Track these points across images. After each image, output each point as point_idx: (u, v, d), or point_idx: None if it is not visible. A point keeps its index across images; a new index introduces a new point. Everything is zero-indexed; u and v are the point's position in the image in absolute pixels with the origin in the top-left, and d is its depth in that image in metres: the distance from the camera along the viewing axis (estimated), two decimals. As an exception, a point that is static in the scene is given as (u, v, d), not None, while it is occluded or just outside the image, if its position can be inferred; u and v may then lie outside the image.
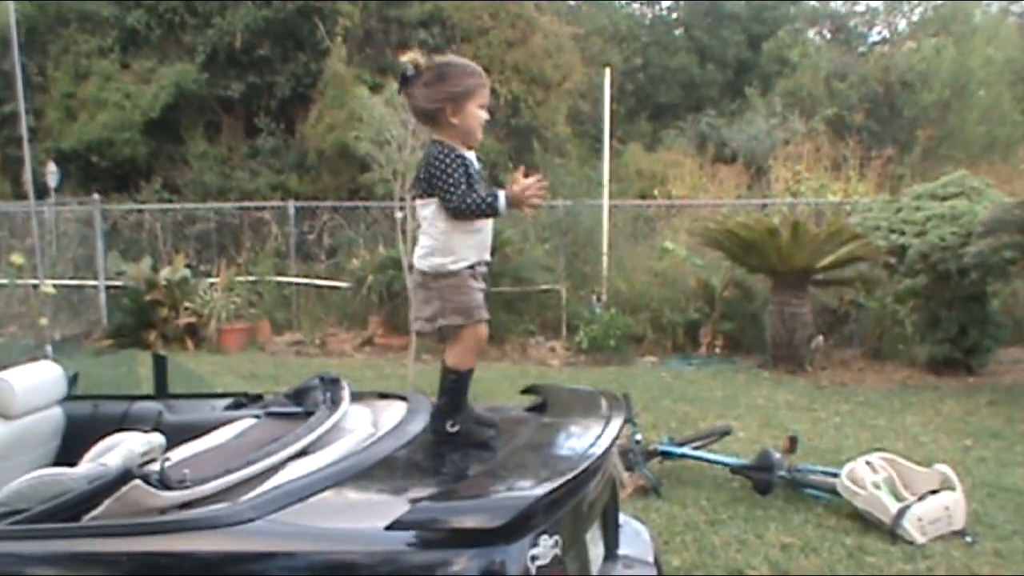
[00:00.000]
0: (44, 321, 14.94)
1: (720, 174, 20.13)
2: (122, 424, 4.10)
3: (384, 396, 3.88)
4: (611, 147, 16.29)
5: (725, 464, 7.36)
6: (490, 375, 12.55)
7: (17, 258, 15.56)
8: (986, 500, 6.98)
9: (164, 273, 15.79)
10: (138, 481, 2.59)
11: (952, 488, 6.35)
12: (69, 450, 3.68)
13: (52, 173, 17.66)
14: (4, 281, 16.11)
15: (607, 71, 16.03)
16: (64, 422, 4.19)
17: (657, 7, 35.87)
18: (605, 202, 15.52)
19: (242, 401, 4.00)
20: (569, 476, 2.68)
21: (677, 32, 34.24)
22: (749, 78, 28.96)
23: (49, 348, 14.78)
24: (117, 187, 20.86)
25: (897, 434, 9.16)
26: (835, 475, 6.69)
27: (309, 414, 3.49)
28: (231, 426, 3.50)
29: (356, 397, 3.85)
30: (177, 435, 3.46)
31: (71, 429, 4.17)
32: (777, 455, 7.04)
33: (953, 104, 24.37)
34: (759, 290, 13.76)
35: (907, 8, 32.46)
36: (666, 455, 7.55)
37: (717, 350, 13.97)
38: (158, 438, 3.13)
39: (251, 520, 2.54)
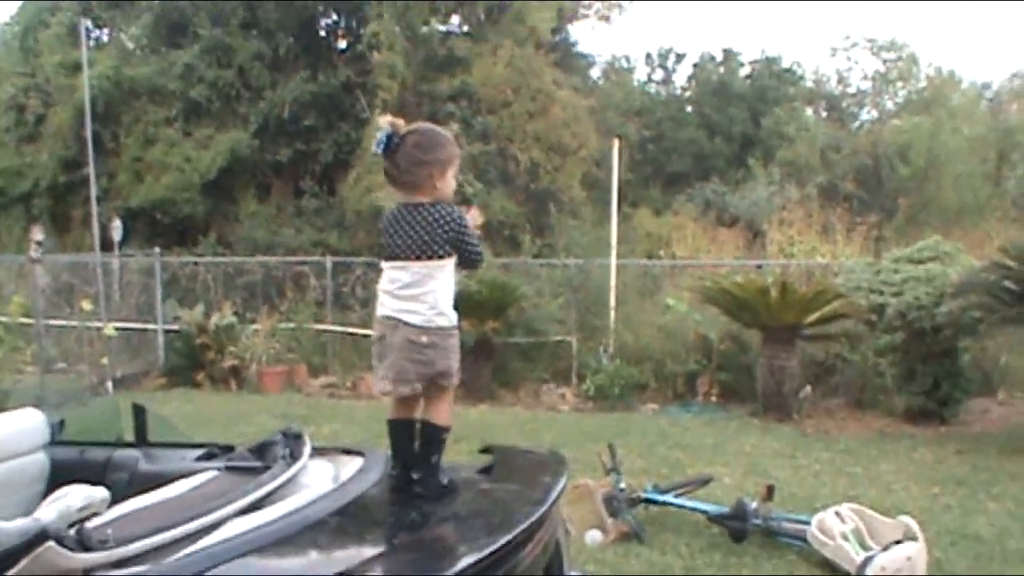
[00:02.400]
0: (105, 360, 15.09)
1: (720, 236, 20.05)
2: (105, 471, 3.91)
3: (347, 452, 3.62)
4: (622, 211, 16.20)
5: (703, 512, 7.03)
6: (503, 420, 12.39)
7: (86, 303, 15.62)
8: (949, 548, 6.65)
9: (214, 319, 15.75)
10: (51, 543, 2.35)
11: (915, 538, 6.05)
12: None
13: (117, 228, 17.76)
14: (75, 323, 16.02)
15: (615, 142, 15.98)
16: (49, 468, 3.95)
17: (672, 86, 36.13)
18: (613, 261, 15.37)
19: (214, 452, 3.75)
20: (490, 550, 2.43)
21: (689, 108, 34.45)
22: (753, 150, 29.09)
23: (110, 385, 14.81)
24: (177, 241, 21.10)
25: (872, 481, 8.82)
26: (807, 523, 6.39)
27: (267, 469, 3.25)
28: (188, 479, 3.25)
29: (319, 452, 3.57)
30: (148, 484, 3.23)
31: (57, 475, 3.90)
32: (752, 504, 6.70)
33: (930, 175, 24.37)
34: (753, 343, 13.48)
35: (892, 90, 32.50)
36: (649, 502, 7.23)
37: (713, 399, 13.67)
38: (101, 492, 2.87)
39: None
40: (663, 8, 55.83)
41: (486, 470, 3.57)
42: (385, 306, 3.39)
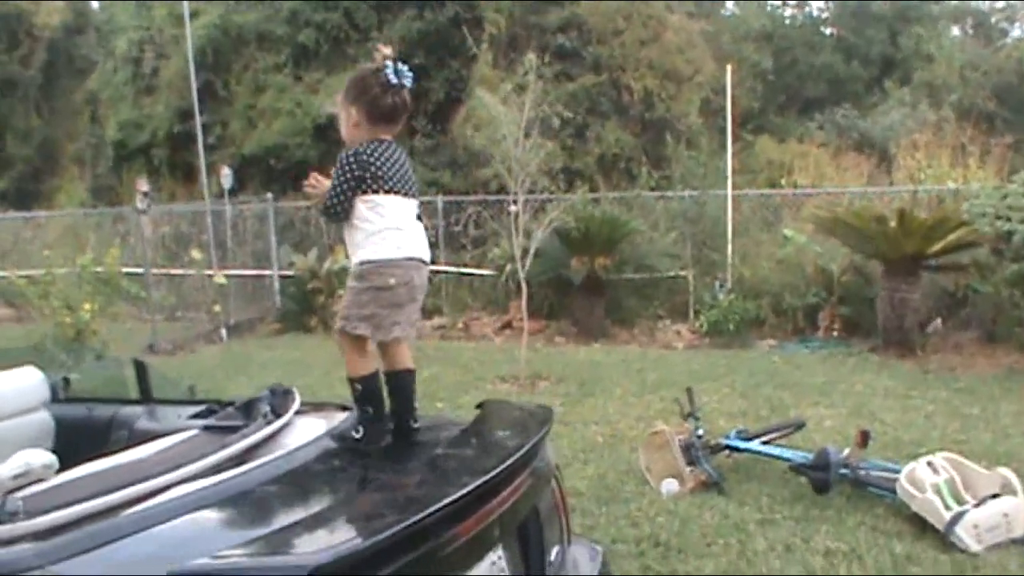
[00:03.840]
0: (217, 308, 15.30)
1: (846, 163, 19.34)
2: (110, 428, 3.90)
3: (344, 408, 3.43)
4: (741, 139, 15.72)
5: (786, 460, 6.58)
6: (611, 359, 12.23)
7: (196, 252, 15.85)
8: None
9: (327, 264, 15.79)
10: None
11: (1014, 493, 5.52)
12: (66, 452, 3.36)
13: (226, 176, 17.95)
14: (192, 272, 16.33)
15: (728, 68, 15.45)
16: (54, 426, 3.86)
17: (808, 9, 35.09)
18: (729, 191, 14.92)
19: (213, 409, 3.60)
20: (418, 516, 2.19)
21: (827, 31, 33.35)
22: (892, 73, 28.10)
23: (223, 332, 15.03)
24: (292, 186, 21.16)
25: (987, 424, 8.25)
26: (898, 473, 5.87)
27: (244, 427, 3.08)
28: (163, 440, 3.11)
29: (314, 408, 3.46)
30: (143, 442, 3.14)
31: (64, 433, 3.85)
32: (840, 452, 6.24)
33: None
34: (877, 275, 12.94)
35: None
36: (732, 449, 6.87)
37: (835, 333, 13.19)
38: (46, 458, 2.69)
39: (33, 568, 2.09)
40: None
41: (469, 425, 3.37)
42: (408, 245, 3.32)
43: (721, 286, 14.18)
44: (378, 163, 3.22)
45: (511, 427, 3.34)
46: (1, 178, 29.91)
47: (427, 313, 15.77)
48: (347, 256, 3.38)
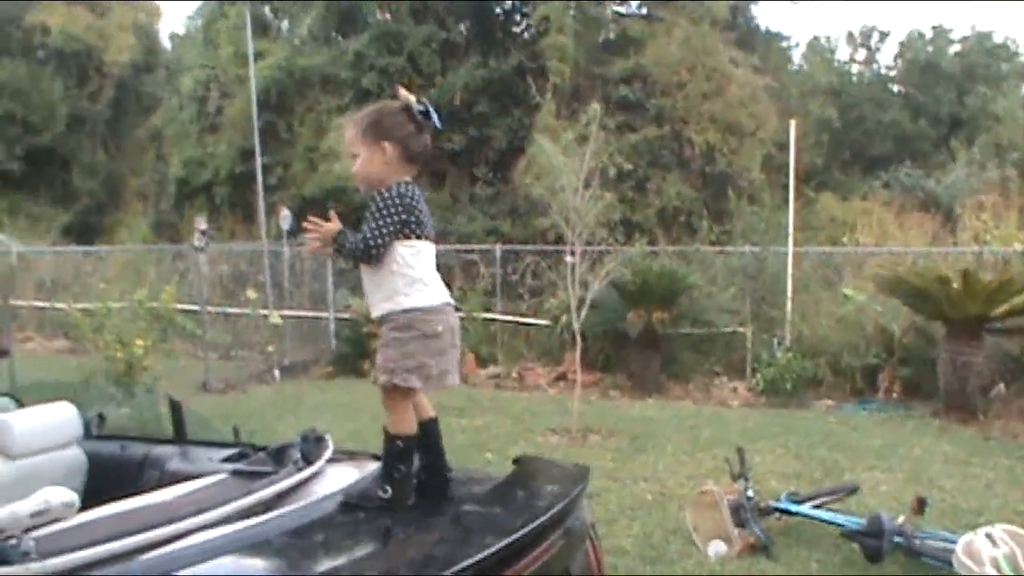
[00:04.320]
0: (271, 348, 15.38)
1: (910, 222, 19.18)
2: (142, 467, 3.89)
3: (377, 457, 3.40)
4: (803, 196, 15.64)
5: (838, 525, 6.46)
6: (664, 415, 12.13)
7: (252, 292, 15.98)
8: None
9: (383, 308, 15.83)
10: None
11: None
12: (96, 490, 3.37)
13: (285, 218, 18.07)
14: (248, 311, 16.46)
15: (792, 123, 15.41)
16: (86, 462, 3.89)
17: (876, 65, 35.00)
18: (790, 248, 14.80)
19: (246, 453, 3.60)
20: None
21: (894, 88, 33.23)
22: (959, 132, 27.91)
23: (276, 372, 15.11)
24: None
25: (1051, 495, 8.09)
26: (955, 544, 5.69)
27: (272, 474, 3.07)
28: (188, 483, 3.10)
29: (348, 456, 3.41)
30: (173, 483, 3.16)
31: (97, 469, 3.87)
32: (895, 519, 6.10)
33: None
34: (939, 337, 12.76)
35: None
36: (782, 512, 6.76)
37: (894, 395, 12.99)
38: (66, 496, 2.68)
39: None
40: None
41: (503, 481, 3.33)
42: (441, 291, 3.25)
43: (779, 343, 14.05)
44: (419, 206, 3.16)
45: (545, 485, 3.29)
46: (66, 211, 30.42)
47: (482, 362, 15.78)
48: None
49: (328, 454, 3.26)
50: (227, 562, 2.43)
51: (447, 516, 2.93)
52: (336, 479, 3.13)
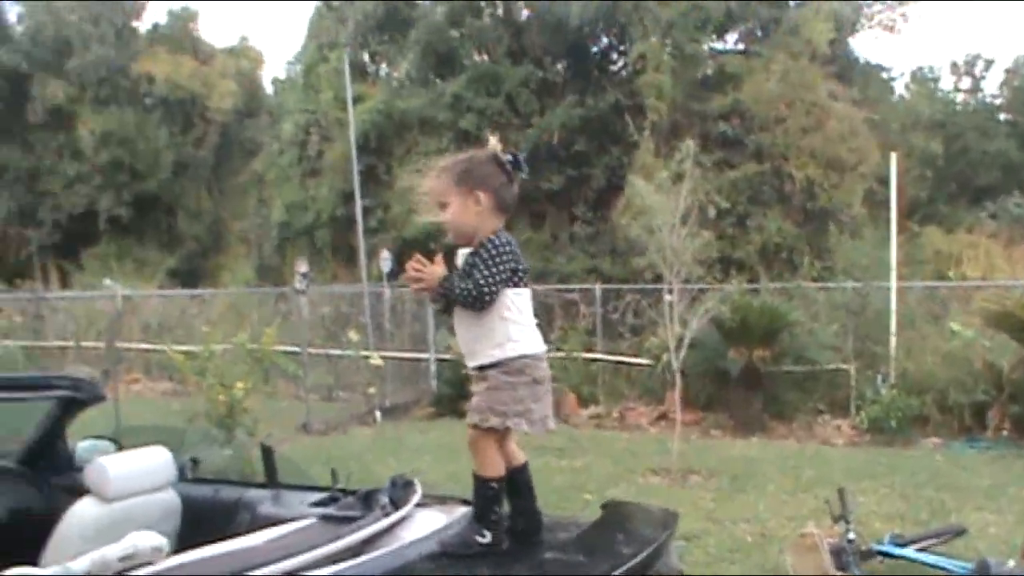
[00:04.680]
0: (372, 390, 15.53)
1: (1017, 254, 18.81)
2: (235, 509, 3.97)
3: (466, 502, 3.45)
4: (908, 230, 15.45)
5: (942, 569, 6.31)
6: (767, 454, 12.02)
7: (353, 334, 16.18)
8: None
9: (483, 349, 15.91)
10: None
11: None
12: (190, 532, 3.49)
13: (385, 260, 18.28)
14: (350, 352, 16.64)
15: (893, 157, 15.25)
16: (180, 505, 4.00)
17: (980, 94, 34.47)
18: (893, 283, 14.59)
19: (336, 497, 3.68)
20: None
21: (1000, 117, 32.68)
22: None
23: (377, 414, 15.26)
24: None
25: None
26: None
27: (359, 519, 3.16)
28: (277, 528, 3.20)
29: (438, 501, 3.49)
30: (265, 526, 3.27)
31: (191, 512, 3.98)
32: (1001, 564, 5.94)
33: None
34: (1051, 373, 12.52)
35: None
36: (885, 555, 6.64)
37: (1004, 433, 12.67)
38: (155, 540, 2.78)
39: None
40: (971, 10, 53.14)
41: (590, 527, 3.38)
42: (539, 339, 3.28)
43: (883, 380, 13.81)
44: (520, 255, 3.20)
45: (631, 531, 3.31)
46: (172, 255, 31.20)
47: (583, 402, 15.78)
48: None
49: (416, 498, 3.34)
50: None
51: (530, 563, 2.99)
52: (424, 524, 3.19)
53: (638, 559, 2.77)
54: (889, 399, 13.11)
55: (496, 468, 3.15)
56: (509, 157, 3.24)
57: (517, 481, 3.24)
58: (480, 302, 3.09)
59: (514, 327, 3.17)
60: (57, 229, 31.76)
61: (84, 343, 19.65)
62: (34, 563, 2.68)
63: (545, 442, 12.84)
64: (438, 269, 3.14)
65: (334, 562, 2.78)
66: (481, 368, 3.18)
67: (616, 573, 2.61)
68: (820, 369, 14.35)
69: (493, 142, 3.27)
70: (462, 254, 3.20)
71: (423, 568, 2.90)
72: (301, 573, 2.68)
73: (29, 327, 20.62)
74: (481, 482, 3.13)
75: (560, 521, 3.57)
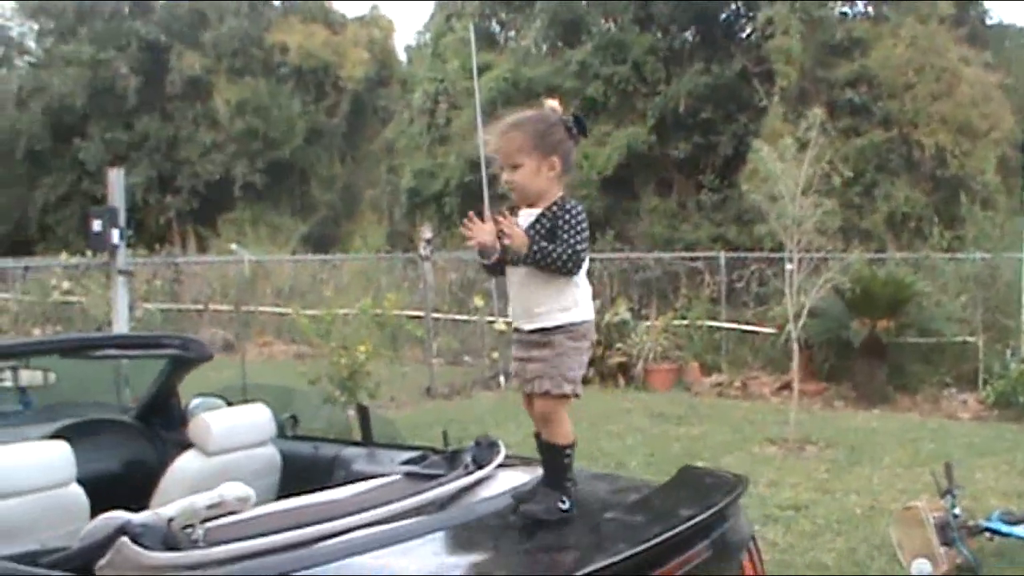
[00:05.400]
0: (495, 355, 15.71)
1: None
2: (332, 467, 4.14)
3: None
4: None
5: None
6: (888, 427, 11.95)
7: (478, 299, 16.40)
8: None
9: (607, 316, 16.00)
10: (124, 538, 2.45)
11: None
12: (290, 486, 3.69)
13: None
14: (475, 318, 16.98)
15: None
16: (280, 461, 4.21)
17: None
18: (1024, 254, 14.27)
19: (426, 455, 3.79)
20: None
21: None
22: None
23: (502, 378, 15.46)
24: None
25: None
26: None
27: (441, 476, 3.29)
28: (364, 483, 3.31)
29: (522, 462, 3.55)
30: (358, 481, 3.39)
31: (291, 468, 4.20)
32: None
33: None
34: None
35: None
36: (993, 532, 6.53)
37: None
38: (241, 491, 2.86)
39: None
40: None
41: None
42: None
43: (1013, 355, 13.54)
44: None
45: (698, 494, 3.32)
46: (304, 222, 31.78)
47: (706, 370, 15.81)
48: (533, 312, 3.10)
49: (500, 459, 3.43)
50: (368, 559, 2.62)
51: (589, 524, 3.03)
52: (505, 482, 3.27)
53: (696, 520, 2.82)
54: (1018, 374, 12.85)
55: (570, 434, 3.12)
56: (575, 118, 3.20)
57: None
58: (575, 267, 3.04)
59: (580, 291, 3.13)
60: (194, 196, 32.62)
61: (217, 307, 20.28)
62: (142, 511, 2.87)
63: (665, 409, 12.98)
64: (486, 228, 3.11)
65: (412, 515, 2.94)
66: (544, 331, 3.08)
67: (669, 534, 2.67)
68: (947, 341, 14.16)
69: (553, 104, 3.23)
70: (525, 216, 3.13)
71: (483, 524, 3.02)
72: (375, 525, 2.83)
73: (167, 290, 21.29)
74: (558, 449, 3.10)
75: (633, 483, 3.66)
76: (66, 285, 19.13)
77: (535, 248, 2.99)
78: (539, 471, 3.23)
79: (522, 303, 3.12)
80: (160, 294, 20.68)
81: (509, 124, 3.17)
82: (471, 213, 3.14)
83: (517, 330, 3.14)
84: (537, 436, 3.15)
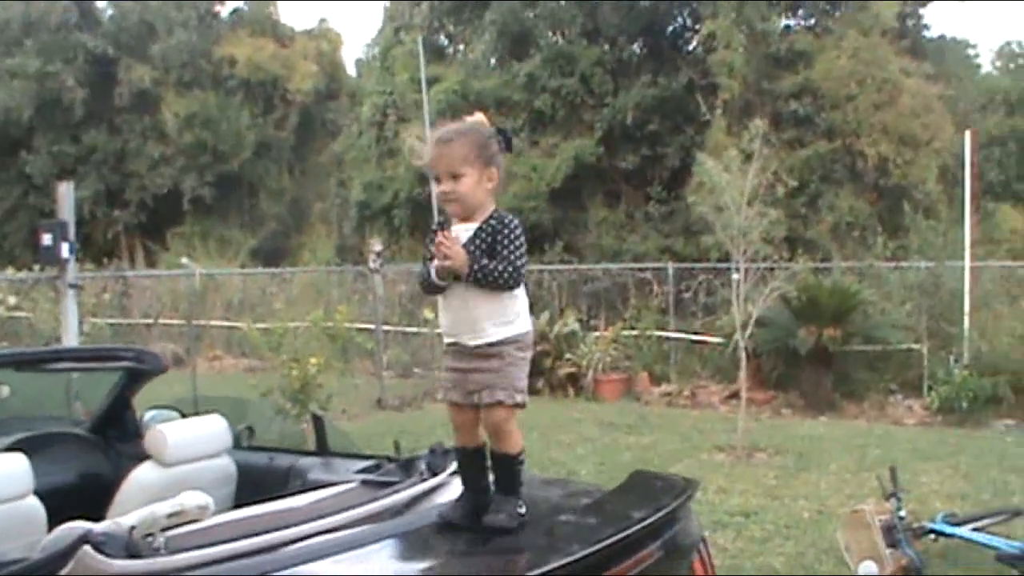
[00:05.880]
0: (446, 367, 15.71)
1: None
2: (288, 477, 4.17)
3: None
4: (983, 208, 15.27)
5: (996, 549, 6.30)
6: (834, 433, 12.11)
7: (428, 312, 16.40)
8: None
9: (556, 327, 16.07)
10: (87, 547, 2.45)
11: None
12: (246, 496, 3.69)
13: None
14: (425, 330, 16.91)
15: (968, 133, 15.10)
16: (236, 471, 4.22)
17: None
18: (967, 263, 14.49)
19: (380, 464, 3.81)
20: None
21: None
22: None
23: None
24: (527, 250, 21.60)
25: None
26: None
27: (396, 484, 3.33)
28: (322, 491, 3.37)
29: None
30: (313, 490, 3.44)
31: (246, 478, 4.20)
32: None
33: None
34: None
35: None
36: (937, 533, 6.64)
37: (1082, 415, 12.61)
38: (201, 499, 2.88)
39: None
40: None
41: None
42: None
43: (956, 361, 13.74)
44: None
45: (648, 498, 3.33)
46: (254, 235, 31.62)
47: (655, 380, 15.91)
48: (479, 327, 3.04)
49: (453, 467, 3.41)
50: (327, 564, 2.65)
51: (541, 528, 3.04)
52: (459, 489, 3.25)
53: (647, 522, 2.84)
54: (961, 380, 13.08)
55: (521, 442, 3.13)
56: (505, 132, 3.19)
57: (480, 456, 3.22)
58: (516, 283, 3.02)
59: (520, 303, 3.12)
60: (142, 209, 32.29)
61: (167, 320, 20.14)
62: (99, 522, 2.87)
63: (615, 419, 13.06)
64: (457, 248, 2.99)
65: (368, 522, 2.97)
66: (491, 345, 3.05)
67: (620, 536, 2.70)
68: (892, 349, 14.42)
69: (482, 117, 3.18)
70: (460, 231, 3.06)
71: (436, 530, 3.02)
72: (332, 532, 2.84)
73: (116, 304, 21.11)
74: (511, 458, 3.11)
75: (585, 487, 3.72)
76: (12, 300, 18.90)
77: (476, 267, 2.97)
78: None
79: (465, 319, 3.08)
80: (109, 308, 20.49)
81: (451, 132, 3.11)
82: (445, 231, 3.03)
83: (455, 344, 3.11)
84: (461, 449, 3.16)
